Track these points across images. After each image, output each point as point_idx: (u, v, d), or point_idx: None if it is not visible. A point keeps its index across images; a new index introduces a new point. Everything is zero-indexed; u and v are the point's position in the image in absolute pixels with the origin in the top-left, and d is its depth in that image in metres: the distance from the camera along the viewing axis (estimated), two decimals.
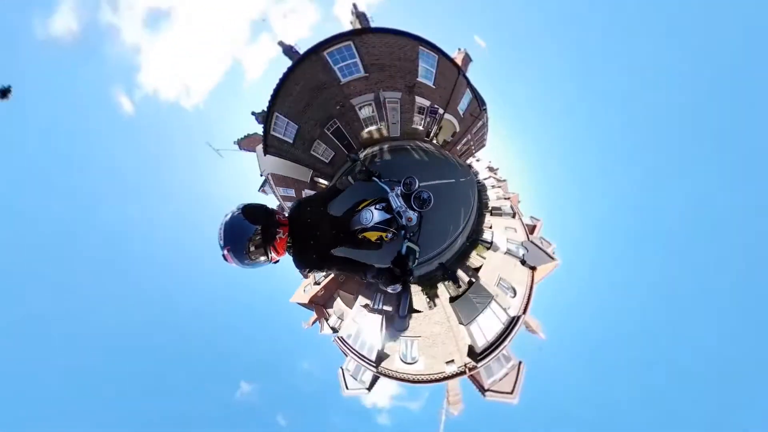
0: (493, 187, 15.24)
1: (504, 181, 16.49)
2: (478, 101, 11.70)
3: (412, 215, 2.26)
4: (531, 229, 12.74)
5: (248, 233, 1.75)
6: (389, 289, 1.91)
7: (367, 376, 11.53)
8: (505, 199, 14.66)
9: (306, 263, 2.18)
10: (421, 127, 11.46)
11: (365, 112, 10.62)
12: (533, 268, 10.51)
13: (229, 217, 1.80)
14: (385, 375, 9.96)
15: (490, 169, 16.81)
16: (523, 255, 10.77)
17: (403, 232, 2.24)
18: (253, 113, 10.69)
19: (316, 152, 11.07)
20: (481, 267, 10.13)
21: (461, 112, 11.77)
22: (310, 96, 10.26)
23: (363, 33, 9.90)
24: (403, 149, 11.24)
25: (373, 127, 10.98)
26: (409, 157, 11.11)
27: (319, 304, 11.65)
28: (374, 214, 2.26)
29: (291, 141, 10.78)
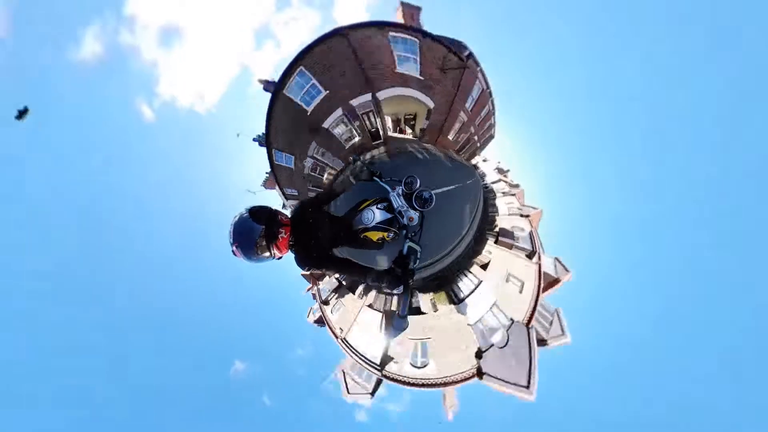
0: (504, 194, 13.66)
1: (517, 186, 14.76)
2: (454, 51, 9.54)
3: (414, 215, 2.26)
4: (548, 285, 10.99)
5: (254, 233, 1.96)
6: (393, 291, 1.89)
7: (369, 379, 11.39)
8: (521, 215, 12.52)
9: (306, 262, 2.29)
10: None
11: (340, 130, 10.77)
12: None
13: (237, 218, 2.02)
14: (392, 379, 9.71)
15: (500, 171, 14.94)
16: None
17: (404, 231, 2.24)
18: (255, 139, 11.22)
19: (314, 173, 11.71)
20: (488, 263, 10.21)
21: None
22: (291, 132, 10.77)
23: (307, 53, 9.44)
24: (403, 151, 11.21)
25: (355, 140, 11.02)
26: (410, 158, 11.04)
27: (314, 276, 13.55)
28: (376, 214, 2.27)
29: (292, 167, 11.52)
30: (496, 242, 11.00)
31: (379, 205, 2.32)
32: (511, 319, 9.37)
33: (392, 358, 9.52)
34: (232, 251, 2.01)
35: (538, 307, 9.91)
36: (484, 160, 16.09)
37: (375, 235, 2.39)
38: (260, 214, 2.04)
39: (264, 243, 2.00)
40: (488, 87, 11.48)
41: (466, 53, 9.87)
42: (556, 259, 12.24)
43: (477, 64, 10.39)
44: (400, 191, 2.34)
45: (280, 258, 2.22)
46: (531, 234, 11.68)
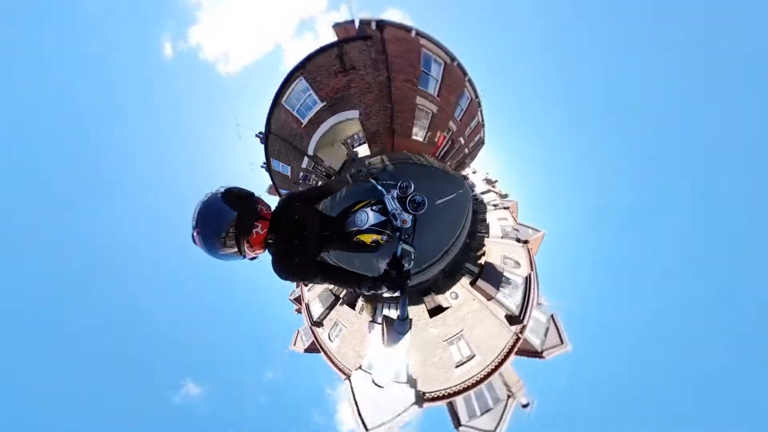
0: (495, 206, 12.54)
1: (506, 197, 13.97)
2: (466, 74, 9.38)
3: (407, 218, 2.25)
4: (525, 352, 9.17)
5: (223, 219, 1.61)
6: (392, 295, 1.82)
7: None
8: (518, 240, 10.09)
9: (286, 267, 1.90)
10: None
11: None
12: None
13: (207, 196, 1.67)
14: (438, 399, 8.39)
15: (488, 181, 14.59)
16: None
17: (398, 234, 2.22)
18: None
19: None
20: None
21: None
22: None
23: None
24: (402, 162, 11.15)
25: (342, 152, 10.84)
26: (407, 167, 10.94)
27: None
28: (370, 216, 2.24)
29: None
30: (472, 284, 8.99)
31: (373, 207, 2.29)
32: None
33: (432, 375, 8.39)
34: (192, 237, 1.63)
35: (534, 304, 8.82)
36: (474, 172, 16.32)
37: (368, 238, 2.36)
38: (236, 198, 1.70)
39: (233, 235, 1.63)
40: (477, 96, 11.03)
41: (455, 62, 9.46)
42: (552, 318, 10.04)
43: (465, 73, 10.10)
44: (395, 194, 2.33)
45: (252, 258, 1.85)
46: (527, 281, 9.14)
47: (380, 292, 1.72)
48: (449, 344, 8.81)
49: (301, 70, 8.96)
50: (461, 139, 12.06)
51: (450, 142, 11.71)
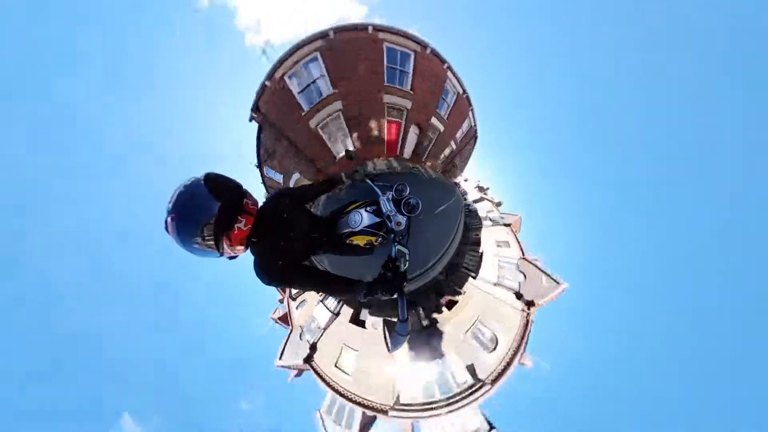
0: (493, 222, 12.22)
1: (499, 205, 13.91)
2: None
3: (402, 219, 2.21)
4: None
5: (203, 209, 1.45)
6: (390, 298, 1.77)
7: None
8: (524, 302, 9.38)
9: (270, 271, 1.74)
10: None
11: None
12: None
13: (191, 181, 1.51)
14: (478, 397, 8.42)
15: (480, 188, 14.46)
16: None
17: (392, 235, 2.19)
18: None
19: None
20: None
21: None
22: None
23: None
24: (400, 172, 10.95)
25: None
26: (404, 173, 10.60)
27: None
28: (364, 217, 2.20)
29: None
30: (473, 278, 9.85)
31: (368, 208, 2.25)
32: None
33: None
34: (165, 223, 1.45)
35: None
36: (465, 180, 16.33)
37: (362, 240, 2.31)
38: (221, 187, 1.54)
39: (213, 229, 1.46)
40: (465, 91, 9.99)
41: (428, 50, 8.78)
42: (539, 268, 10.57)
43: (443, 60, 9.14)
44: (390, 196, 2.30)
45: (230, 257, 1.70)
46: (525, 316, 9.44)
47: (377, 295, 1.66)
48: (472, 335, 9.14)
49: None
50: (452, 142, 11.46)
51: (432, 140, 10.87)
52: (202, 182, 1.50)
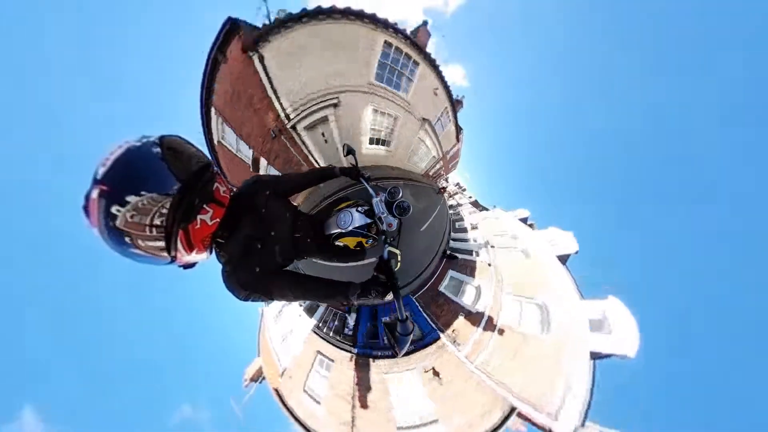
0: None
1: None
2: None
3: (393, 221, 2.17)
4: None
5: (156, 183, 0.94)
6: (384, 300, 1.70)
7: None
8: None
9: (244, 281, 1.35)
10: None
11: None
12: None
13: (143, 143, 0.98)
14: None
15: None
16: None
17: (383, 237, 2.14)
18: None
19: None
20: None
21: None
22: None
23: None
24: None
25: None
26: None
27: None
28: (355, 217, 2.13)
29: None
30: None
31: (359, 209, 2.18)
32: None
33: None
34: (86, 200, 0.91)
35: None
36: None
37: (352, 242, 2.24)
38: (185, 160, 1.05)
39: (165, 217, 0.98)
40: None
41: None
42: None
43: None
44: (384, 198, 2.24)
45: (185, 266, 1.23)
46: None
47: (370, 297, 1.60)
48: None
49: None
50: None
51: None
52: (156, 149, 0.97)
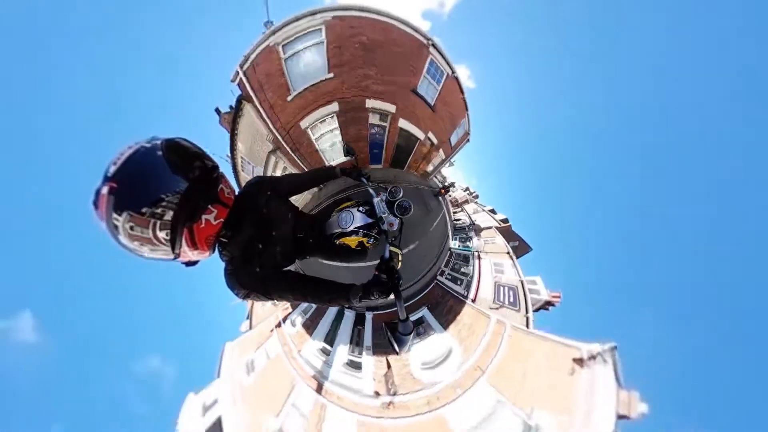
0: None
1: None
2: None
3: (394, 221, 2.18)
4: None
5: (163, 184, 1.01)
6: (386, 300, 1.71)
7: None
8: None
9: (246, 280, 1.39)
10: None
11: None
12: None
13: (152, 144, 1.05)
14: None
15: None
16: None
17: (384, 236, 2.15)
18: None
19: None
20: None
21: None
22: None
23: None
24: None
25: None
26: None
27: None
28: (356, 217, 2.14)
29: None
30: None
31: (360, 208, 2.19)
32: None
33: None
34: (96, 196, 0.97)
35: None
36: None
37: (353, 242, 2.25)
38: (190, 160, 1.12)
39: (172, 216, 1.04)
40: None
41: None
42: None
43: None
44: (384, 197, 2.26)
45: (188, 263, 1.29)
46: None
47: (372, 297, 1.60)
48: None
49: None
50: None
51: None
52: (160, 152, 1.03)
